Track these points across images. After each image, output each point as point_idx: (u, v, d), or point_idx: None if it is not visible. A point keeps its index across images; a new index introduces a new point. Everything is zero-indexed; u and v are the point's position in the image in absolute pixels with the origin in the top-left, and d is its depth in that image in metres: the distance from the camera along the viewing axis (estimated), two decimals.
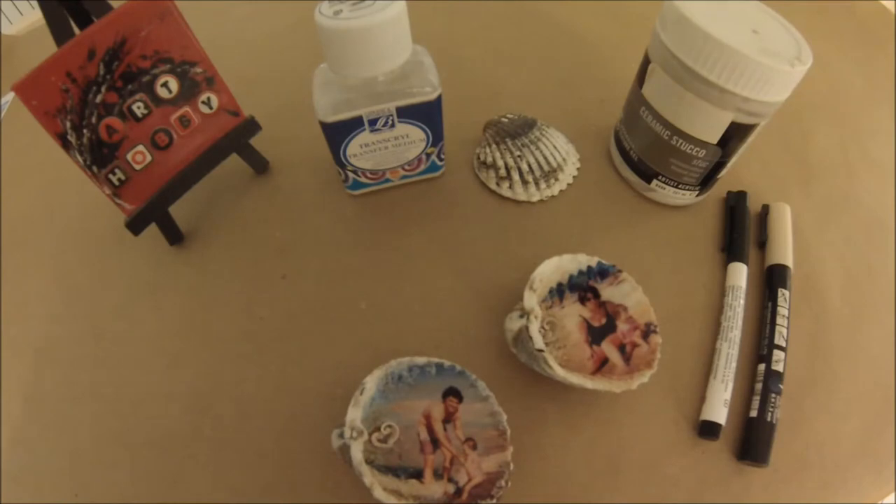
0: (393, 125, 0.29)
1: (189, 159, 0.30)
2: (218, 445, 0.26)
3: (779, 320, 0.28)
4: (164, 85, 0.28)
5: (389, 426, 0.24)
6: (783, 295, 0.29)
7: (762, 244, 0.32)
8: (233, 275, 0.31)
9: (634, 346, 0.26)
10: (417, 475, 0.23)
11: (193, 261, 0.32)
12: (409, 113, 0.28)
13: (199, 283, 0.31)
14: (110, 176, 0.27)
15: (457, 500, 0.22)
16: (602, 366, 0.26)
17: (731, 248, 0.31)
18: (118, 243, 0.33)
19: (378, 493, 0.21)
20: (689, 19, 0.25)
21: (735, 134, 0.27)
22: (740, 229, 0.31)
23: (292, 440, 0.26)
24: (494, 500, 0.22)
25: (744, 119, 0.26)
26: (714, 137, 0.27)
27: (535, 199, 0.33)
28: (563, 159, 0.34)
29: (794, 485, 0.25)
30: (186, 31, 0.27)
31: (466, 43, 0.44)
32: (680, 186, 0.31)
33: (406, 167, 0.33)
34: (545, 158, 0.33)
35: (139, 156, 0.28)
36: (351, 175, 0.32)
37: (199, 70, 0.29)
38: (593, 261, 0.27)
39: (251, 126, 0.33)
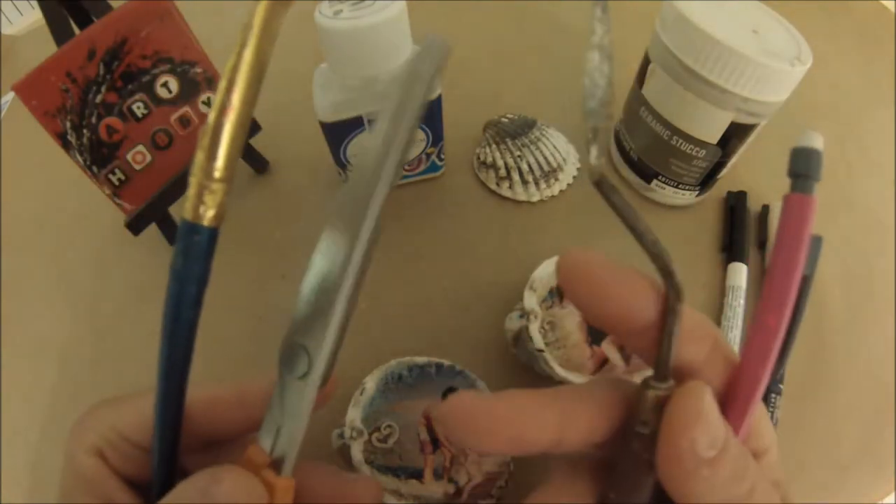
0: None
1: (189, 159, 0.30)
2: None
3: None
4: (164, 85, 0.28)
5: (389, 426, 0.24)
6: None
7: (762, 244, 0.32)
8: (233, 275, 0.31)
9: None
10: (417, 475, 0.23)
11: None
12: None
13: None
14: (110, 176, 0.27)
15: (457, 500, 0.22)
16: (602, 366, 0.26)
17: (731, 248, 0.31)
18: (118, 243, 0.33)
19: None
20: (689, 19, 0.25)
21: (735, 134, 0.27)
22: (740, 229, 0.31)
23: None
24: (494, 500, 0.22)
25: (744, 119, 0.26)
26: (714, 137, 0.27)
27: (535, 199, 0.33)
28: (563, 159, 0.34)
29: (794, 485, 0.25)
30: (186, 31, 0.27)
31: (466, 43, 0.44)
32: (680, 186, 0.31)
33: (406, 167, 0.33)
34: (545, 158, 0.33)
35: (139, 156, 0.28)
36: None
37: (199, 70, 0.29)
38: None
39: (251, 126, 0.33)
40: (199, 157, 0.11)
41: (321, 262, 0.12)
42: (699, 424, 0.11)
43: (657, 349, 0.13)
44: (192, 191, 0.12)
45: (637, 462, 0.13)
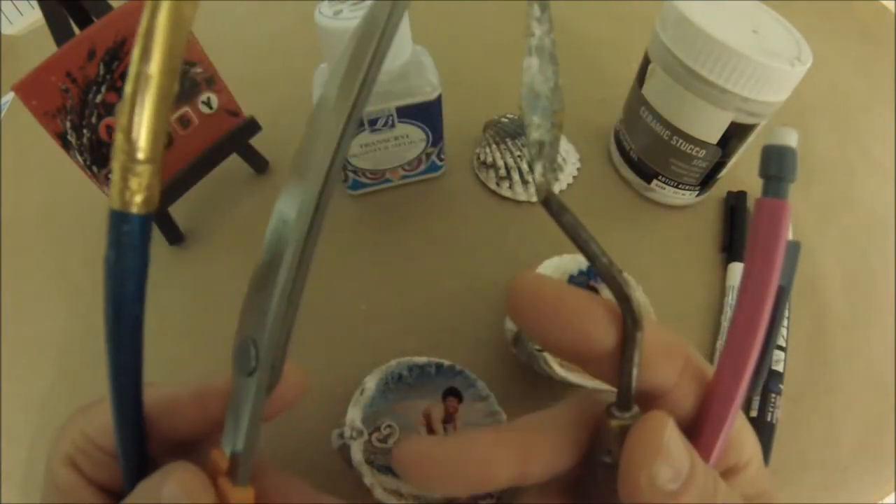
0: (393, 125, 0.29)
1: (189, 159, 0.30)
2: None
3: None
4: None
5: (389, 426, 0.24)
6: None
7: None
8: (233, 275, 0.31)
9: None
10: None
11: (193, 261, 0.32)
12: (409, 113, 0.28)
13: (199, 283, 0.31)
14: (110, 176, 0.27)
15: (457, 500, 0.22)
16: None
17: (731, 248, 0.31)
18: None
19: (378, 493, 0.21)
20: (689, 19, 0.25)
21: (735, 134, 0.27)
22: (740, 229, 0.31)
23: (292, 440, 0.26)
24: (494, 500, 0.22)
25: (744, 119, 0.26)
26: (714, 137, 0.27)
27: (536, 199, 0.33)
28: (563, 159, 0.34)
29: (794, 485, 0.25)
30: None
31: (466, 43, 0.44)
32: (680, 186, 0.31)
33: (406, 167, 0.33)
34: None
35: None
36: (351, 175, 0.32)
37: (199, 70, 0.29)
38: None
39: (251, 126, 0.33)
40: (119, 138, 0.10)
41: (267, 241, 0.12)
42: (659, 458, 0.11)
43: (619, 376, 0.12)
44: (115, 176, 0.10)
45: (603, 489, 0.12)
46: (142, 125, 0.10)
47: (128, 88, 0.10)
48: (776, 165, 0.11)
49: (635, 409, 0.12)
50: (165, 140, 0.11)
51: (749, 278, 0.12)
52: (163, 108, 0.10)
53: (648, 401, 0.13)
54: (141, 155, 0.10)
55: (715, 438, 0.12)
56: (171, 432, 0.14)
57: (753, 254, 0.12)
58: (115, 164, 0.10)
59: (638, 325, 0.12)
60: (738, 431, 0.13)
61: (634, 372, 0.12)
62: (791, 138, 0.11)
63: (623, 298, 0.12)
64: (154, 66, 0.10)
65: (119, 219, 0.11)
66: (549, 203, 0.11)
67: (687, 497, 0.11)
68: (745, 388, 0.12)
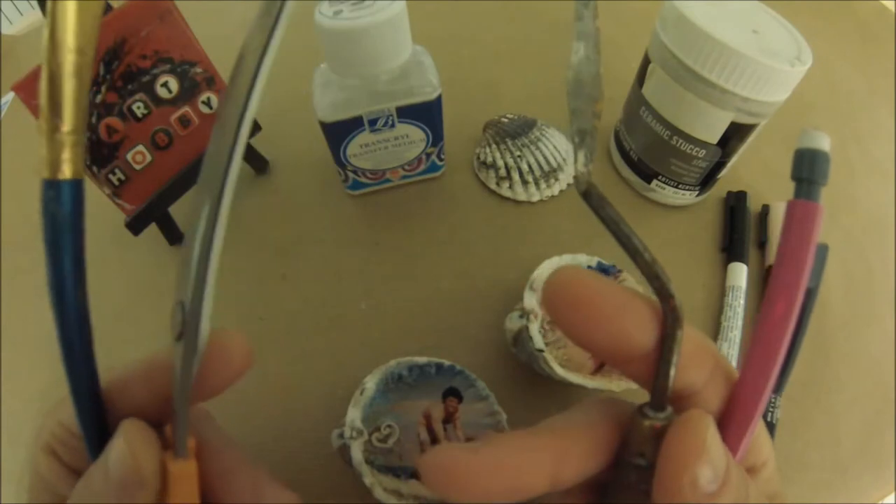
0: (393, 125, 0.29)
1: (189, 159, 0.30)
2: None
3: None
4: (164, 85, 0.28)
5: (389, 426, 0.24)
6: None
7: (762, 244, 0.32)
8: (233, 275, 0.31)
9: None
10: (417, 475, 0.23)
11: None
12: (409, 113, 0.28)
13: None
14: (110, 176, 0.27)
15: None
16: (602, 365, 0.26)
17: (732, 248, 0.31)
18: (118, 243, 0.33)
19: (378, 493, 0.21)
20: (689, 19, 0.25)
21: (735, 134, 0.27)
22: (740, 229, 0.31)
23: (292, 440, 0.26)
24: None
25: (744, 119, 0.26)
26: (714, 137, 0.27)
27: (535, 199, 0.33)
28: (563, 159, 0.34)
29: (794, 485, 0.25)
30: (186, 31, 0.27)
31: (466, 43, 0.44)
32: (680, 186, 0.31)
33: (406, 167, 0.33)
34: (545, 158, 0.33)
35: (139, 156, 0.28)
36: (351, 175, 0.32)
37: (199, 70, 0.29)
38: (593, 261, 0.27)
39: (251, 126, 0.33)
40: (43, 111, 0.10)
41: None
42: (701, 459, 0.11)
43: (654, 377, 0.12)
44: (43, 149, 0.11)
45: (633, 492, 0.12)
46: (66, 103, 0.10)
47: (44, 71, 0.10)
48: (808, 169, 0.11)
49: (669, 409, 0.12)
50: (86, 114, 0.11)
51: (778, 280, 0.12)
52: (79, 81, 0.10)
53: (676, 401, 0.12)
54: (66, 128, 0.11)
55: (740, 439, 0.12)
56: (131, 411, 0.14)
57: (783, 255, 0.12)
58: (42, 138, 0.11)
59: (679, 323, 0.11)
60: (757, 433, 0.13)
61: (672, 372, 0.12)
62: (823, 142, 0.11)
63: (665, 296, 0.11)
64: (70, 39, 0.10)
65: (49, 187, 0.11)
66: (590, 195, 0.11)
67: (724, 497, 0.11)
68: (771, 389, 0.12)
